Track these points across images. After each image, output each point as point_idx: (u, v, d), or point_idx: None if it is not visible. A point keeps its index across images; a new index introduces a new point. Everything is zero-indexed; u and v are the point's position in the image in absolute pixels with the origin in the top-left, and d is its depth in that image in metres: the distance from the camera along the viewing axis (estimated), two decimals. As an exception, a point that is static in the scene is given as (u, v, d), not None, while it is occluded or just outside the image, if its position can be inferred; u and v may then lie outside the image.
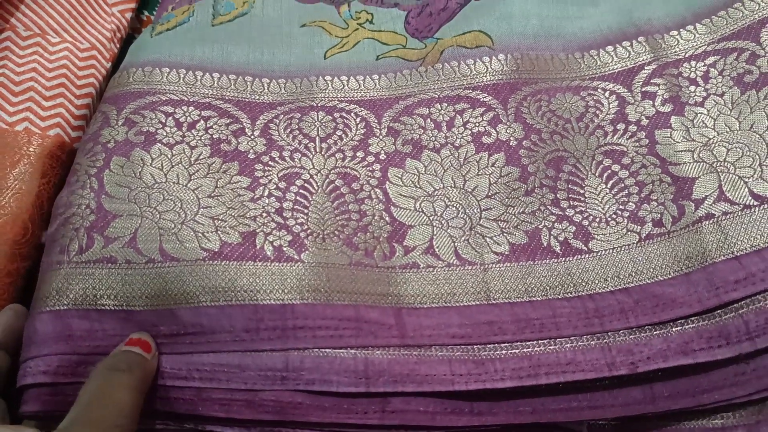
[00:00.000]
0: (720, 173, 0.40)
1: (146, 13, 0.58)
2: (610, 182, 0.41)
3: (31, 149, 0.44)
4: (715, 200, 0.39)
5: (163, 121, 0.44)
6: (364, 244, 0.40)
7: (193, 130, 0.44)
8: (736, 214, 0.38)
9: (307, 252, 0.39)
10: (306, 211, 0.41)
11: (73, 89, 0.48)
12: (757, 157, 0.40)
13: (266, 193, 0.41)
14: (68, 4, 0.52)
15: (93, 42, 0.51)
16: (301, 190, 0.42)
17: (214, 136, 0.44)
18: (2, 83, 0.47)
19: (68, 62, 0.49)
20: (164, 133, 0.43)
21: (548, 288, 0.39)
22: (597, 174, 0.42)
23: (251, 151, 0.43)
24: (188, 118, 0.44)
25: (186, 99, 0.45)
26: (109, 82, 0.47)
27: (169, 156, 0.42)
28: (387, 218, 0.41)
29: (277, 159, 0.43)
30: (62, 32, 0.51)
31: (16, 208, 0.42)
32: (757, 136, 0.40)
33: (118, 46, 0.53)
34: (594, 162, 0.42)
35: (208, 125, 0.44)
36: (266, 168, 0.43)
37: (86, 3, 0.53)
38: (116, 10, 0.54)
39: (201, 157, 0.43)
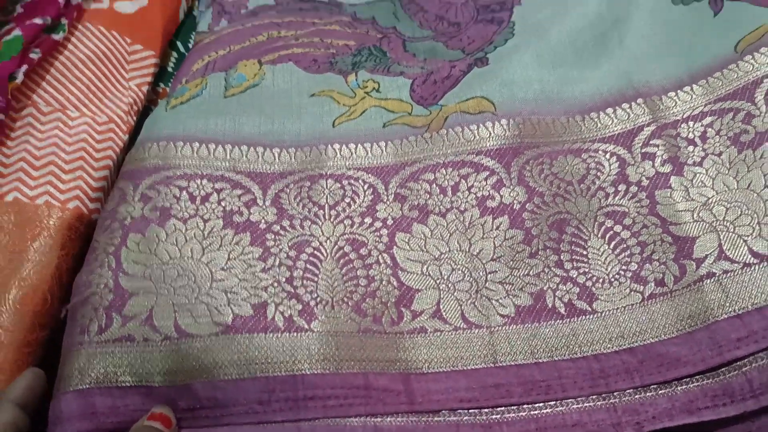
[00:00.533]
0: (719, 232, 0.40)
1: (162, 85, 0.60)
2: (613, 243, 0.42)
3: (51, 222, 0.46)
4: (715, 259, 0.40)
5: (178, 195, 0.45)
6: (372, 310, 0.41)
7: (206, 203, 0.45)
8: (736, 273, 0.39)
9: (316, 321, 0.40)
10: (315, 279, 0.42)
11: (92, 162, 0.50)
12: (755, 215, 0.40)
13: (277, 262, 0.43)
14: (87, 79, 0.54)
15: (111, 115, 0.53)
16: (311, 258, 0.43)
17: (226, 208, 0.45)
18: (24, 158, 0.49)
19: (87, 136, 0.51)
20: (179, 208, 0.45)
21: (554, 349, 0.39)
22: (599, 235, 0.43)
23: (263, 221, 0.45)
24: (202, 191, 0.46)
25: (199, 173, 0.47)
26: (126, 157, 0.49)
27: (184, 231, 0.44)
28: (395, 283, 0.42)
29: (287, 228, 0.44)
30: (82, 107, 0.53)
31: (36, 279, 0.44)
32: (755, 194, 0.41)
33: (134, 118, 0.55)
34: (596, 223, 0.43)
35: (220, 197, 0.45)
36: (277, 237, 0.44)
37: (104, 78, 0.55)
38: (133, 84, 0.56)
39: (214, 229, 0.44)
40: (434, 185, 0.46)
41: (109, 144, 0.52)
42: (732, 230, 0.40)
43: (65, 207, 0.47)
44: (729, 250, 0.40)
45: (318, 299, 0.41)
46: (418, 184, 0.46)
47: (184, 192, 0.46)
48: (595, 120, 0.48)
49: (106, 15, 0.58)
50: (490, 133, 0.47)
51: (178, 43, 0.63)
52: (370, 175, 0.47)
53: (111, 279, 0.41)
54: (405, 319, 0.41)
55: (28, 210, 0.46)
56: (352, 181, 0.47)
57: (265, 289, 0.41)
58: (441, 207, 0.45)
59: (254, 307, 0.40)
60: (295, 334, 0.40)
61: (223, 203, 0.45)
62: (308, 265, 0.43)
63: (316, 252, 0.43)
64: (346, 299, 0.41)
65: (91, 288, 0.41)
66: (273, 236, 0.44)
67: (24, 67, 0.50)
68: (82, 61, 0.54)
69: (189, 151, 0.48)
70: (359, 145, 0.49)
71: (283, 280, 0.42)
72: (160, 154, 0.48)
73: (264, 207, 0.45)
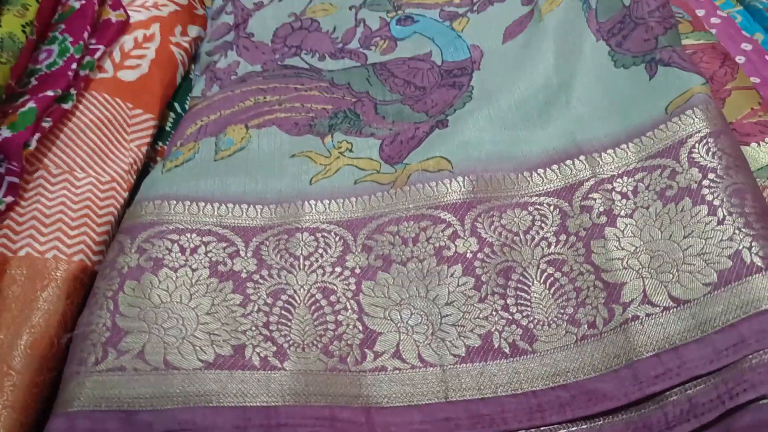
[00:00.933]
0: (644, 279, 0.46)
1: (160, 143, 0.66)
2: (552, 288, 0.48)
3: (58, 274, 0.52)
4: (639, 303, 0.45)
5: (170, 247, 0.51)
6: (339, 351, 0.46)
7: (195, 255, 0.51)
8: (657, 315, 0.44)
9: (289, 361, 0.45)
10: (289, 324, 0.47)
11: (95, 218, 0.56)
12: (674, 263, 0.45)
13: (255, 308, 0.48)
14: (92, 143, 0.60)
15: (113, 175, 0.60)
16: (285, 305, 0.48)
17: (212, 259, 0.51)
18: (35, 216, 0.55)
19: (91, 195, 0.57)
20: (170, 259, 0.50)
21: (498, 386, 0.44)
22: (541, 281, 0.48)
23: (244, 270, 0.50)
24: (191, 243, 0.51)
25: (189, 227, 0.52)
26: (126, 214, 0.55)
27: (174, 278, 0.49)
28: (360, 327, 0.48)
29: (266, 277, 0.50)
30: (87, 168, 0.59)
31: (44, 326, 0.49)
32: (675, 244, 0.46)
33: (134, 177, 0.61)
34: (539, 270, 0.48)
35: (207, 249, 0.51)
36: (256, 285, 0.49)
37: (108, 141, 0.61)
38: (134, 145, 0.62)
39: (201, 278, 0.50)
40: (397, 236, 0.52)
41: (111, 201, 0.58)
42: (655, 277, 0.46)
43: (71, 260, 0.53)
44: (651, 295, 0.45)
45: (291, 342, 0.47)
46: (383, 236, 0.52)
47: (176, 244, 0.51)
48: (541, 176, 0.53)
49: (110, 83, 0.64)
50: (448, 189, 0.53)
51: (176, 104, 0.70)
52: (341, 228, 0.53)
53: (109, 319, 0.47)
54: (368, 359, 0.46)
55: (39, 263, 0.52)
56: (325, 234, 0.52)
57: (244, 333, 0.47)
58: (402, 256, 0.51)
59: (234, 348, 0.46)
60: (269, 372, 0.45)
61: (209, 254, 0.51)
62: (283, 311, 0.48)
63: (290, 299, 0.49)
64: (315, 342, 0.47)
65: (91, 326, 0.47)
66: (253, 284, 0.49)
67: (37, 135, 0.57)
68: (88, 126, 0.61)
69: (181, 209, 0.54)
70: (332, 200, 0.54)
71: (261, 324, 0.47)
72: (155, 212, 0.54)
73: (246, 258, 0.51)
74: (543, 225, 0.51)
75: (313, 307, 0.48)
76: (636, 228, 0.48)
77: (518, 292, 0.48)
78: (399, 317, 0.48)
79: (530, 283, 0.48)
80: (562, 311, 0.47)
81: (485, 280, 0.49)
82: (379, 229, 0.52)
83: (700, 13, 0.71)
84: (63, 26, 0.65)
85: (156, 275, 0.49)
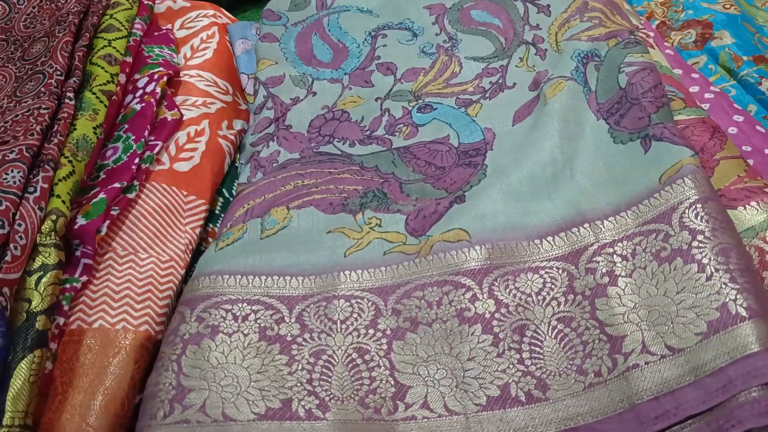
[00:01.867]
0: (643, 331, 0.52)
1: (211, 225, 0.74)
2: (562, 343, 0.54)
3: (126, 342, 0.59)
4: (639, 352, 0.51)
5: (224, 316, 0.58)
6: (374, 403, 0.53)
7: (246, 321, 0.58)
8: (655, 363, 0.49)
9: (330, 412, 0.52)
10: (329, 380, 0.54)
11: (157, 293, 0.64)
12: (669, 316, 0.51)
13: (300, 367, 0.55)
14: (153, 227, 0.68)
15: (172, 255, 0.67)
16: (326, 364, 0.55)
17: (261, 325, 0.58)
18: (106, 293, 0.62)
19: (153, 272, 0.65)
20: (225, 325, 0.58)
21: (516, 430, 0.50)
22: (552, 336, 0.54)
23: (289, 334, 0.57)
24: (242, 312, 0.59)
25: (240, 298, 0.60)
26: (185, 288, 0.63)
27: (228, 342, 0.56)
28: (392, 381, 0.54)
29: (308, 339, 0.57)
30: (149, 249, 0.67)
31: (116, 389, 0.56)
32: (669, 299, 0.52)
33: (190, 256, 0.69)
34: (550, 327, 0.55)
35: (257, 316, 0.58)
36: (300, 347, 0.56)
37: (166, 225, 0.69)
38: (188, 228, 0.70)
39: (252, 341, 0.57)
40: (422, 300, 0.58)
41: (170, 278, 0.66)
42: (652, 329, 0.52)
43: (137, 330, 0.60)
44: (650, 345, 0.51)
45: (331, 395, 0.53)
46: (410, 300, 0.59)
47: (229, 313, 0.59)
48: (550, 242, 0.60)
49: (167, 174, 0.73)
50: (467, 257, 0.60)
51: (224, 190, 0.78)
52: (372, 294, 0.59)
53: (174, 379, 0.54)
54: (399, 409, 0.52)
55: (110, 334, 0.60)
56: (359, 300, 0.59)
57: (290, 388, 0.53)
58: (428, 318, 0.57)
59: (282, 402, 0.53)
60: (314, 422, 0.51)
61: (258, 321, 0.58)
62: (324, 369, 0.55)
63: (330, 359, 0.55)
64: (353, 395, 0.53)
65: (158, 386, 0.54)
66: (297, 346, 0.56)
67: (107, 222, 0.65)
68: (149, 213, 0.69)
69: (233, 282, 0.61)
70: (365, 270, 0.61)
71: (305, 381, 0.54)
72: (210, 285, 0.61)
73: (290, 323, 0.58)
74: (553, 286, 0.57)
75: (350, 365, 0.55)
76: (635, 286, 0.54)
77: (532, 347, 0.54)
78: (426, 372, 0.54)
79: (542, 339, 0.54)
80: (571, 362, 0.53)
81: (502, 337, 0.55)
82: (407, 294, 0.59)
83: (695, 89, 0.78)
84: (126, 126, 0.75)
85: (213, 340, 0.57)
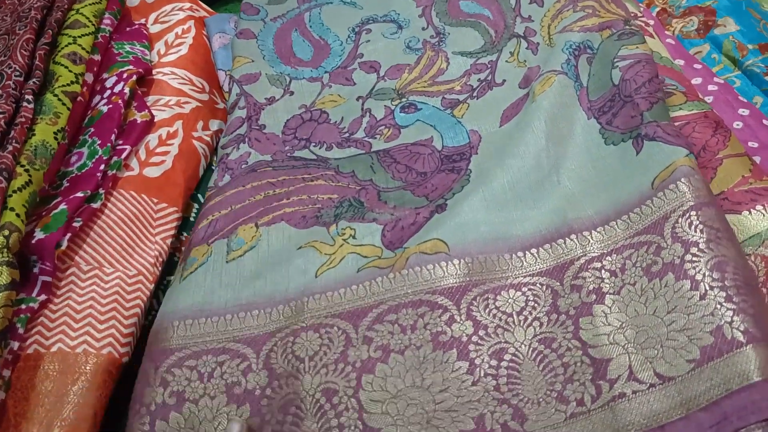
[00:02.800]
0: (630, 354, 0.48)
1: (185, 234, 0.70)
2: (542, 365, 0.50)
3: (87, 368, 0.55)
4: (626, 380, 0.47)
5: (189, 377, 0.55)
6: None
7: (211, 380, 0.54)
8: (643, 392, 0.46)
9: None
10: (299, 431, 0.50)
11: (123, 311, 0.60)
12: (658, 338, 0.47)
13: (269, 428, 0.51)
14: (120, 239, 0.64)
15: (140, 269, 0.63)
16: (294, 418, 0.51)
17: (228, 381, 0.54)
18: (67, 312, 0.58)
19: (119, 289, 0.61)
20: (190, 390, 0.54)
21: None
22: (532, 358, 0.50)
23: (257, 387, 0.53)
24: (207, 368, 0.55)
25: (205, 348, 0.56)
26: (151, 333, 0.59)
27: (197, 413, 0.53)
28: (360, 426, 0.50)
29: (276, 389, 0.53)
30: (115, 263, 0.63)
31: (74, 419, 0.52)
32: (659, 320, 0.48)
33: (159, 269, 0.65)
34: (530, 349, 0.51)
35: (223, 371, 0.55)
36: (269, 401, 0.52)
37: (135, 236, 0.65)
38: (159, 239, 0.66)
39: (220, 407, 0.53)
40: (396, 325, 0.54)
41: (138, 294, 0.62)
42: (640, 352, 0.47)
43: (100, 353, 0.56)
44: (637, 371, 0.47)
45: None
46: (383, 326, 0.54)
47: (194, 371, 0.55)
48: (534, 255, 0.56)
49: (136, 180, 0.69)
50: (444, 273, 0.55)
51: (199, 196, 0.74)
52: (343, 320, 0.55)
53: None
54: None
55: (69, 358, 0.56)
56: (329, 329, 0.55)
57: None
58: (401, 345, 0.53)
59: None
60: None
61: (225, 376, 0.54)
62: (293, 426, 0.51)
63: (298, 410, 0.51)
64: None
65: None
66: (267, 401, 0.52)
67: (68, 235, 0.61)
68: (116, 223, 0.65)
69: (196, 328, 0.57)
70: (336, 291, 0.57)
71: None
72: (176, 335, 0.57)
73: (257, 372, 0.54)
74: (536, 305, 0.53)
75: (318, 414, 0.51)
76: (622, 303, 0.50)
77: (509, 371, 0.50)
78: (396, 410, 0.50)
79: (521, 362, 0.50)
80: (551, 388, 0.49)
81: (478, 363, 0.51)
82: (380, 318, 0.55)
83: (697, 81, 0.74)
84: (92, 129, 0.71)
85: (180, 413, 0.53)
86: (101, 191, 0.65)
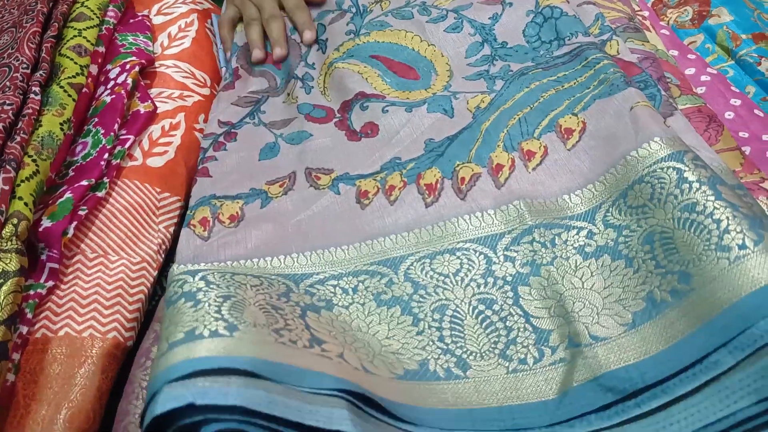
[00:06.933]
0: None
1: (187, 223, 0.72)
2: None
3: (93, 351, 0.57)
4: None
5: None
6: None
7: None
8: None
9: None
10: None
11: (127, 297, 0.62)
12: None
13: None
14: (125, 227, 0.66)
15: (144, 256, 0.65)
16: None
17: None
18: (74, 298, 0.60)
19: (124, 275, 0.63)
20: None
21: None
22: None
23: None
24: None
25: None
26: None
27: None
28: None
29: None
30: (120, 251, 0.65)
31: (81, 401, 0.54)
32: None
33: (163, 256, 0.67)
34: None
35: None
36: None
37: (139, 224, 0.67)
38: (162, 227, 0.68)
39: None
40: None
41: (142, 281, 0.63)
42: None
43: (105, 337, 0.58)
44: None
45: None
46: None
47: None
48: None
49: (139, 170, 0.70)
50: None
51: (202, 185, 0.75)
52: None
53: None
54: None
55: (76, 342, 0.57)
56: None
57: None
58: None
59: None
60: None
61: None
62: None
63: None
64: None
65: (129, 416, 0.51)
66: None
67: (74, 223, 0.62)
68: (120, 212, 0.67)
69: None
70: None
71: None
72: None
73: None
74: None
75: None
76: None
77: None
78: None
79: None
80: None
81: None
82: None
83: (691, 71, 0.75)
84: (96, 119, 0.72)
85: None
86: (106, 180, 0.67)
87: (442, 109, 0.69)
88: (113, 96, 0.73)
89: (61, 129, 0.67)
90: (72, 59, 0.73)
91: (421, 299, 0.55)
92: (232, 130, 0.74)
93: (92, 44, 0.76)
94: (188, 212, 0.64)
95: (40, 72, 0.70)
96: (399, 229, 0.59)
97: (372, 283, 0.56)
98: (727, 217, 0.46)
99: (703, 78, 0.74)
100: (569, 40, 0.70)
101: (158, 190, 0.70)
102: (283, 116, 0.75)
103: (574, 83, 0.65)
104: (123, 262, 0.64)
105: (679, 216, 0.49)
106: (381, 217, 0.61)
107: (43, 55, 0.72)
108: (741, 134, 0.67)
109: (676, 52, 0.77)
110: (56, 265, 0.61)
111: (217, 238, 0.61)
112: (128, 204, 0.67)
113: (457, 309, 0.53)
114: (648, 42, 0.72)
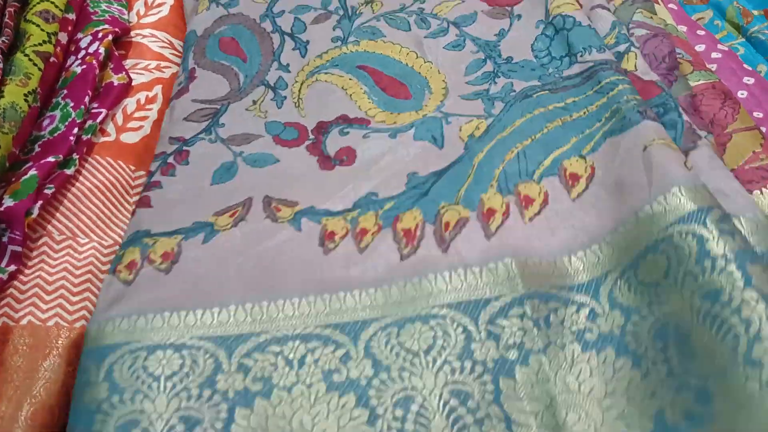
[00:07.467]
0: None
1: (164, 203, 0.67)
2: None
3: (59, 342, 0.52)
4: None
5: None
6: None
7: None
8: None
9: None
10: None
11: (97, 283, 0.56)
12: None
13: None
14: (96, 207, 0.61)
15: (116, 239, 0.60)
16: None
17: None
18: (38, 284, 0.55)
19: (94, 259, 0.58)
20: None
21: None
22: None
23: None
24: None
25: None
26: None
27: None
28: None
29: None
30: (90, 233, 0.59)
31: (45, 396, 0.49)
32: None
33: (137, 239, 0.62)
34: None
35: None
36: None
37: (111, 204, 0.62)
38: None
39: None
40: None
41: (114, 265, 0.58)
42: None
43: (72, 327, 0.53)
44: None
45: None
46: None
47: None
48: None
49: (112, 147, 0.65)
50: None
51: (180, 163, 0.70)
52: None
53: None
54: None
55: (41, 332, 0.52)
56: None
57: None
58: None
59: None
60: None
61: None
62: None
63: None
64: None
65: None
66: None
67: (39, 203, 0.57)
68: (92, 191, 0.61)
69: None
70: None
71: None
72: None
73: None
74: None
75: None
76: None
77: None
78: None
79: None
80: None
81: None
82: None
83: (701, 48, 0.71)
84: (65, 91, 0.67)
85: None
86: (75, 157, 0.62)
87: (430, 136, 0.59)
88: (84, 66, 0.68)
89: (26, 100, 0.61)
90: (38, 26, 0.67)
91: (381, 386, 0.45)
92: (184, 148, 0.63)
93: (61, 10, 0.71)
94: (117, 254, 0.55)
95: (3, 38, 0.64)
96: (365, 284, 0.49)
97: (324, 355, 0.46)
98: (760, 318, 0.36)
99: (714, 55, 0.70)
100: (582, 56, 0.61)
101: (133, 168, 0.65)
102: (245, 130, 0.64)
103: (584, 113, 0.56)
104: (93, 246, 0.59)
105: (698, 306, 0.39)
106: (346, 266, 0.51)
107: (5, 20, 0.66)
108: (755, 114, 0.63)
109: (684, 28, 0.73)
110: (19, 248, 0.55)
111: (143, 281, 0.52)
112: (100, 183, 0.62)
113: (424, 404, 0.44)
114: (656, 15, 0.68)
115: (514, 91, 0.61)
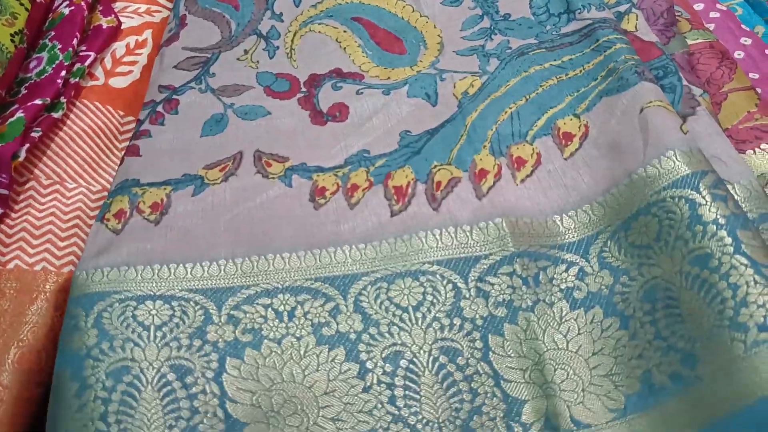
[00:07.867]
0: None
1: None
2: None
3: (47, 286, 0.52)
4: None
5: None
6: None
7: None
8: None
9: None
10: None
11: (85, 228, 0.56)
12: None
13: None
14: (84, 152, 0.60)
15: (104, 184, 0.59)
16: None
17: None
18: (25, 228, 0.55)
19: (82, 204, 0.57)
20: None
21: None
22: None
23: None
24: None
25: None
26: None
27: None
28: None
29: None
30: (78, 178, 0.59)
31: (32, 340, 0.49)
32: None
33: (125, 185, 0.61)
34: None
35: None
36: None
37: (99, 150, 0.61)
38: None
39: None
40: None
41: (102, 211, 0.58)
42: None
43: (60, 271, 0.53)
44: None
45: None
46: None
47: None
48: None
49: (101, 91, 0.64)
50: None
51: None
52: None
53: None
54: None
55: (28, 276, 0.52)
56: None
57: None
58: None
59: None
60: None
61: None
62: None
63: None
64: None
65: None
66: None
67: (26, 146, 0.56)
68: (80, 136, 0.61)
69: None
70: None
71: None
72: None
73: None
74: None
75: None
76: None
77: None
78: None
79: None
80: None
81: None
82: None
83: (699, 7, 0.70)
84: (52, 33, 0.65)
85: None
86: (63, 100, 0.61)
87: (424, 93, 0.59)
88: (72, 8, 0.66)
89: (12, 41, 0.60)
90: (25, -36, 0.66)
91: (371, 341, 0.45)
92: (174, 96, 0.62)
93: (48, -51, 0.68)
94: (105, 201, 0.54)
95: (-12, -24, 0.62)
96: (356, 240, 0.49)
97: (313, 308, 0.47)
98: (747, 282, 0.36)
99: (712, 14, 0.70)
100: (581, 13, 0.60)
101: (121, 113, 0.64)
102: (236, 80, 0.63)
103: (580, 71, 0.55)
104: (81, 191, 0.58)
105: (688, 271, 0.39)
106: (336, 221, 0.51)
107: (-9, -43, 0.64)
108: (751, 75, 0.63)
109: (684, -14, 0.72)
110: (5, 192, 0.55)
111: (132, 231, 0.52)
112: (88, 127, 0.61)
113: (414, 359, 0.44)
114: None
115: (510, 48, 0.61)
